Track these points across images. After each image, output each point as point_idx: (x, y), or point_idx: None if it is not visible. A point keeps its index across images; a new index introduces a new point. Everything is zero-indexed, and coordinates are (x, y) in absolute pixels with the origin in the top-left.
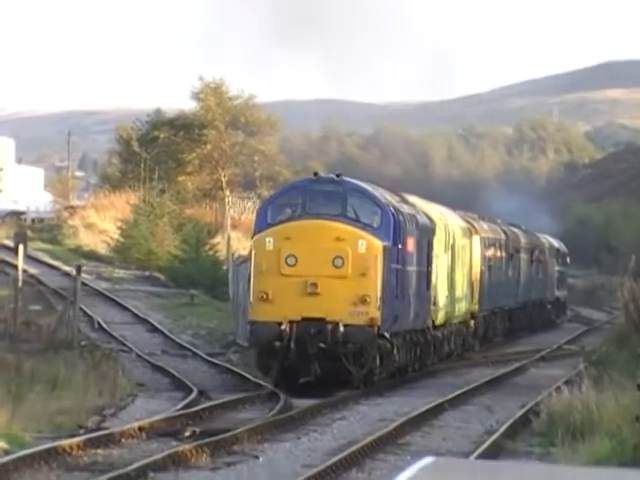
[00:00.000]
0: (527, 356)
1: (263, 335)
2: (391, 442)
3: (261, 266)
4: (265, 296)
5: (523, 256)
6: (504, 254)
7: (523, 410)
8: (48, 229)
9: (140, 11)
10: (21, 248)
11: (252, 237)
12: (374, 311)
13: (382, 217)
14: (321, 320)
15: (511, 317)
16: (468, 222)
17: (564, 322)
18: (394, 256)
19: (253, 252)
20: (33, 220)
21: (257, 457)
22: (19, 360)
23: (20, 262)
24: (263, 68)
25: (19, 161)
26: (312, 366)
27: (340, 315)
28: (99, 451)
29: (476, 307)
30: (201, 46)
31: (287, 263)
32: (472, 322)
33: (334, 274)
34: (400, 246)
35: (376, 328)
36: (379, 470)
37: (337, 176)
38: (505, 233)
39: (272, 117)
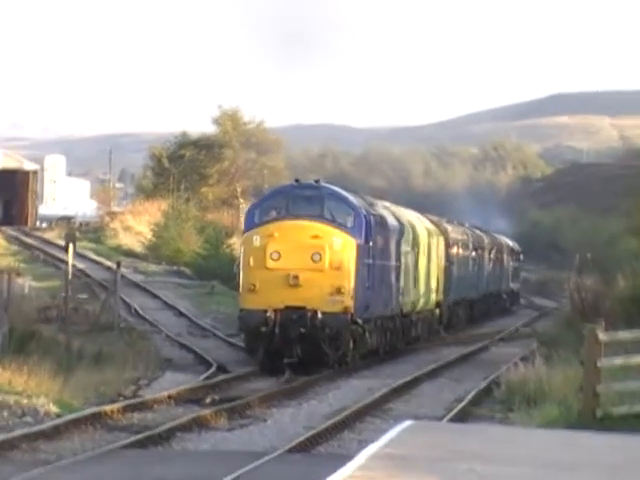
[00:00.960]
0: (489, 337)
1: (251, 321)
2: (377, 408)
3: (249, 261)
4: (253, 287)
5: (483, 254)
6: (467, 252)
7: (486, 382)
8: (93, 231)
9: (162, 49)
10: (71, 247)
11: (242, 235)
12: (348, 300)
13: (355, 218)
14: (302, 308)
15: (472, 306)
16: (435, 224)
17: (519, 309)
18: (366, 252)
19: (242, 248)
20: (80, 223)
21: (265, 420)
22: (69, 339)
23: (70, 258)
24: (277, 97)
25: (69, 174)
26: (294, 349)
27: (318, 304)
28: (135, 415)
29: (441, 297)
30: (222, 77)
31: (272, 258)
32: (437, 310)
33: (313, 268)
34: (371, 243)
35: (350, 315)
36: (367, 431)
37: (316, 182)
38: (468, 234)
39: (278, 139)
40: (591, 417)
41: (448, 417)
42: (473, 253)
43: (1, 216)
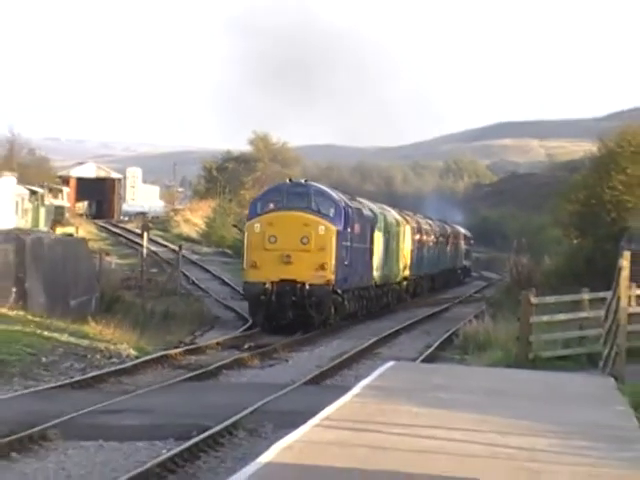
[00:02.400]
0: (449, 302)
1: (253, 291)
2: (368, 352)
3: (251, 243)
4: (254, 264)
5: (442, 239)
6: (429, 238)
7: (448, 333)
8: (161, 223)
9: (212, 87)
10: (145, 234)
11: (246, 223)
12: (330, 274)
13: (336, 209)
14: (293, 281)
15: (434, 279)
16: (403, 216)
17: (471, 281)
18: (344, 236)
19: (246, 234)
20: (152, 217)
21: (287, 361)
22: (144, 302)
23: (145, 242)
24: (295, 123)
25: (144, 182)
26: (287, 313)
27: (306, 277)
28: (192, 357)
29: (408, 272)
30: (256, 108)
31: (269, 241)
32: (405, 283)
33: (302, 249)
34: (349, 230)
35: (331, 286)
36: (361, 369)
37: (305, 181)
38: (430, 224)
39: (297, 155)
40: (525, 359)
41: (421, 359)
42: (434, 238)
43: (95, 212)
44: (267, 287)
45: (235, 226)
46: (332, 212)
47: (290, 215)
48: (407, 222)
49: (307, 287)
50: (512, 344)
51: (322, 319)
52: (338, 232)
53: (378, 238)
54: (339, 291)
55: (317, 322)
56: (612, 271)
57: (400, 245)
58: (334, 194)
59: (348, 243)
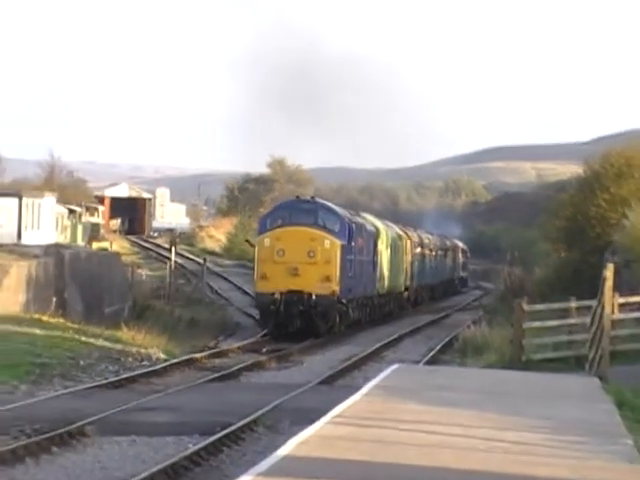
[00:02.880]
0: (449, 309)
1: (263, 301)
2: (375, 355)
3: (261, 256)
4: (264, 276)
5: (441, 252)
6: (428, 251)
7: (448, 338)
8: (187, 238)
9: (233, 114)
10: (173, 248)
11: (257, 238)
12: (334, 286)
13: (340, 225)
14: (300, 292)
15: (433, 289)
16: (405, 231)
17: (469, 290)
18: (348, 250)
19: (257, 248)
20: (179, 233)
21: (302, 363)
22: (172, 310)
23: (172, 256)
24: (309, 148)
25: (171, 201)
26: (295, 321)
27: (312, 288)
28: (216, 360)
29: (409, 283)
30: (274, 133)
31: (278, 255)
32: (406, 292)
33: (309, 262)
34: (353, 244)
35: (336, 297)
36: (369, 371)
37: (312, 198)
38: (430, 239)
39: (310, 177)
40: (518, 361)
41: (423, 361)
42: (433, 251)
43: (127, 229)
44: (276, 297)
45: (247, 241)
46: (337, 227)
47: (297, 230)
48: (408, 237)
49: (313, 297)
50: (506, 347)
51: (327, 327)
52: (342, 246)
53: (381, 251)
54: (343, 301)
55: (323, 330)
56: (597, 281)
57: (402, 257)
58: (339, 210)
59: (352, 256)
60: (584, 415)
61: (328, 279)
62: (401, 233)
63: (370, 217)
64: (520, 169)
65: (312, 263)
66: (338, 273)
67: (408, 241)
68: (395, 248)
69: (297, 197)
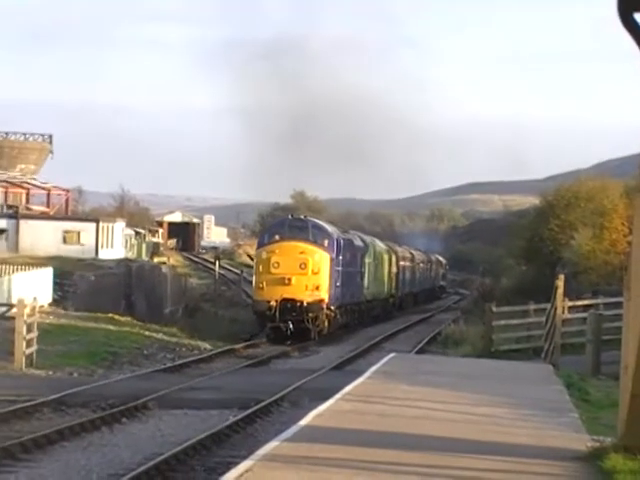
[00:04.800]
0: (433, 311)
1: (260, 308)
2: (376, 346)
3: (259, 268)
4: (261, 285)
5: (423, 265)
6: (412, 263)
7: (433, 333)
8: (228, 254)
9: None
10: (217, 262)
11: (255, 251)
12: (324, 294)
13: (329, 240)
14: (293, 300)
15: (416, 296)
16: (390, 247)
17: (448, 296)
18: (336, 263)
19: (255, 260)
20: (222, 250)
21: (319, 352)
22: (216, 311)
23: (217, 268)
24: (323, 182)
25: (215, 225)
26: (288, 326)
27: (304, 297)
28: (250, 350)
29: (394, 291)
30: (295, 170)
31: (273, 267)
32: (391, 299)
33: (300, 273)
34: (340, 257)
35: (325, 304)
36: (371, 358)
37: (304, 217)
38: (413, 254)
39: (325, 206)
40: (488, 352)
41: (414, 351)
42: (417, 264)
43: (181, 246)
44: (271, 304)
45: (249, 256)
46: (326, 242)
47: (290, 245)
48: (394, 251)
49: (305, 304)
50: (479, 341)
51: (317, 330)
52: (331, 259)
53: (368, 263)
54: (332, 307)
55: (313, 333)
56: (551, 289)
57: (388, 269)
58: (328, 227)
59: (340, 268)
60: (540, 394)
61: (317, 288)
62: (387, 248)
63: (360, 234)
64: (490, 200)
65: (303, 274)
66: (327, 283)
67: (394, 255)
68: (381, 261)
69: (291, 215)
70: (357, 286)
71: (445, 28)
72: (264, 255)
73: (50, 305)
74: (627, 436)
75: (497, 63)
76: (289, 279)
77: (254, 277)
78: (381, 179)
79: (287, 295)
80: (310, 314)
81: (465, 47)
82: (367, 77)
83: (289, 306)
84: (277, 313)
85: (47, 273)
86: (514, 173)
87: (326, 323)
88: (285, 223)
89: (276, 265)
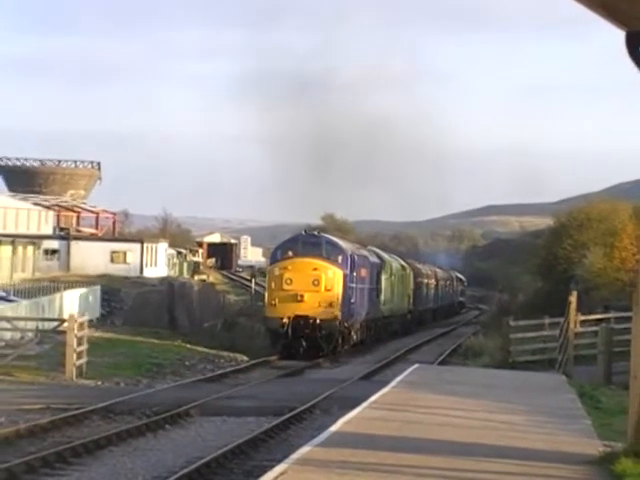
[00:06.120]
0: (455, 324)
1: (273, 325)
2: (401, 358)
3: (271, 285)
4: (274, 302)
5: (442, 282)
6: (430, 280)
7: (454, 345)
8: (263, 272)
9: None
10: (253, 280)
11: (268, 267)
12: (337, 311)
13: (343, 256)
14: (306, 316)
15: (434, 312)
16: (409, 264)
17: (468, 311)
18: (351, 279)
19: (268, 276)
20: (257, 269)
21: (348, 364)
22: (253, 325)
23: (253, 285)
24: (354, 205)
25: (252, 245)
26: (301, 343)
27: (317, 313)
28: (283, 362)
29: (412, 307)
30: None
31: (286, 283)
32: (409, 315)
33: (313, 289)
34: (354, 274)
35: (338, 321)
36: (396, 369)
37: (318, 233)
38: (432, 271)
39: (353, 227)
40: (506, 363)
41: (437, 362)
42: (435, 281)
43: (219, 265)
44: (284, 321)
45: (262, 273)
46: (340, 259)
47: (303, 261)
48: (412, 268)
49: (317, 321)
50: (498, 352)
51: (331, 348)
52: (345, 275)
53: (385, 280)
54: (345, 324)
55: (326, 351)
56: (564, 304)
57: (406, 285)
58: (342, 244)
59: (353, 284)
60: (554, 402)
61: (331, 305)
62: (405, 265)
63: (378, 250)
64: (507, 221)
65: (316, 291)
66: (340, 299)
67: (412, 271)
68: (399, 277)
69: (305, 231)
70: (373, 302)
71: (468, 60)
72: (277, 271)
73: (98, 320)
74: (637, 441)
75: (516, 92)
76: (302, 296)
77: (266, 293)
78: (405, 202)
79: (300, 312)
80: (323, 331)
81: (486, 77)
82: (391, 105)
83: (302, 323)
84: (290, 330)
85: (96, 290)
86: (530, 196)
87: (340, 340)
88: (299, 239)
89: (289, 282)
